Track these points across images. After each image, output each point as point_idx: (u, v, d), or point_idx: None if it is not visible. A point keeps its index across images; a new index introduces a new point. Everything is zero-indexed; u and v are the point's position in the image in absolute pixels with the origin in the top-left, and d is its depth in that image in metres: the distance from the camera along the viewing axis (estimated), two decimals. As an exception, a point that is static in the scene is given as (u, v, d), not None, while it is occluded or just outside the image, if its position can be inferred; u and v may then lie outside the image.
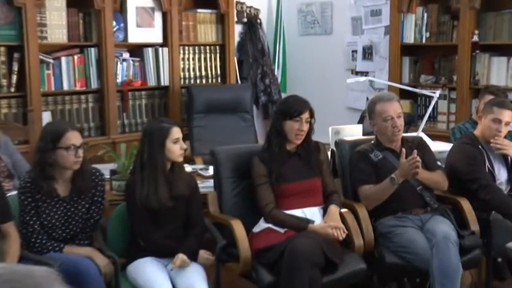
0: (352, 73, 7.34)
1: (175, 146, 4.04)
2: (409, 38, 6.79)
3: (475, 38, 6.30)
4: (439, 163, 4.65)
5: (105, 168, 4.65)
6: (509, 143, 4.62)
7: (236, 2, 7.11)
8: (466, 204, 4.42)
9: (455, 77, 6.50)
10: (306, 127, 4.24)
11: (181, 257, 3.87)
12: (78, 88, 6.13)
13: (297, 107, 4.25)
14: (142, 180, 4.01)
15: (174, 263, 3.87)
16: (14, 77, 5.72)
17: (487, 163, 4.58)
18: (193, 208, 4.15)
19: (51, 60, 5.94)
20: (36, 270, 1.32)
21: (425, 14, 6.69)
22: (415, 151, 4.24)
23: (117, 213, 4.26)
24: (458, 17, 6.34)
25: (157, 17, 6.54)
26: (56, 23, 5.93)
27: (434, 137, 5.64)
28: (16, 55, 5.70)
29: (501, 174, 4.67)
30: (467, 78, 6.35)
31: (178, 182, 4.09)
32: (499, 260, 4.77)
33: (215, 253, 4.02)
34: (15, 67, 5.71)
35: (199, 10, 6.88)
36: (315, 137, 4.44)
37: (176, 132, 4.06)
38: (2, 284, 1.21)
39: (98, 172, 4.20)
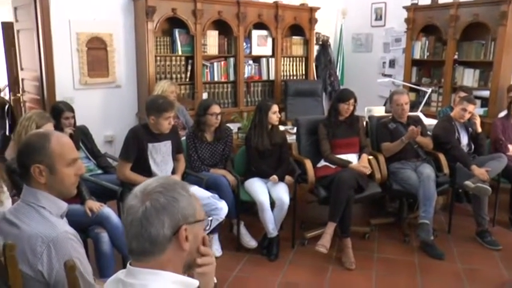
0: (382, 75, 7.06)
1: (274, 115, 4.01)
2: (417, 55, 6.47)
3: (455, 57, 6.00)
4: (429, 132, 4.46)
5: (235, 126, 4.69)
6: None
7: (315, 32, 6.93)
8: (442, 157, 4.25)
9: (442, 80, 6.18)
10: (351, 107, 4.12)
11: (274, 176, 3.91)
12: (222, 80, 6.10)
13: (347, 95, 4.13)
14: (255, 134, 4.01)
15: (272, 179, 3.91)
16: (188, 73, 5.74)
17: (456, 133, 4.36)
18: (283, 151, 4.11)
19: (208, 64, 5.93)
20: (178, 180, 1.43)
21: (427, 41, 6.36)
22: (415, 125, 4.10)
23: (240, 152, 4.29)
24: (446, 43, 6.03)
25: (269, 40, 6.41)
26: (212, 43, 5.91)
27: (428, 116, 5.39)
28: (190, 61, 5.72)
29: (464, 140, 4.42)
30: (450, 81, 6.05)
31: (275, 135, 4.06)
32: (460, 190, 4.59)
33: (294, 177, 3.99)
34: (189, 68, 5.73)
35: (293, 37, 6.71)
36: (357, 113, 4.29)
37: (275, 107, 4.02)
38: (165, 184, 1.31)
39: (229, 128, 4.21)
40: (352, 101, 4.10)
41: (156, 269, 1.28)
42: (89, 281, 1.70)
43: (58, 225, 1.68)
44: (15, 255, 1.58)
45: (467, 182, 4.02)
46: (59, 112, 3.70)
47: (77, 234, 1.73)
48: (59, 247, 1.62)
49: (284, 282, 3.46)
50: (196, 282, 1.36)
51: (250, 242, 3.97)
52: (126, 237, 1.30)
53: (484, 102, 5.77)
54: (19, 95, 6.27)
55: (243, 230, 4.02)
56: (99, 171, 3.90)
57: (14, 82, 6.82)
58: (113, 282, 1.35)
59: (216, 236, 3.87)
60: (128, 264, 1.33)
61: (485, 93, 5.73)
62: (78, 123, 3.97)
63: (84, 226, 2.96)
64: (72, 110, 3.80)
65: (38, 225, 1.66)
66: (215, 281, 1.51)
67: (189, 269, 1.37)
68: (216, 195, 3.65)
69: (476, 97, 5.66)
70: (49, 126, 3.12)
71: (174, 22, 5.54)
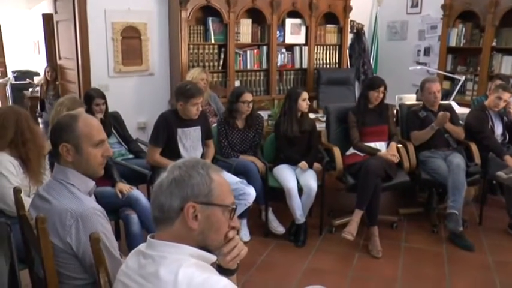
0: (417, 64, 6.93)
1: (303, 103, 4.04)
2: (453, 42, 6.35)
3: (494, 44, 5.86)
4: (461, 122, 4.41)
5: (265, 113, 4.75)
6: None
7: (350, 20, 6.89)
8: (474, 147, 4.20)
9: (479, 68, 6.06)
10: (381, 95, 4.11)
11: (303, 162, 3.95)
12: (255, 68, 6.14)
13: (377, 82, 4.13)
14: (284, 121, 4.06)
15: (301, 166, 3.95)
16: (221, 61, 5.82)
17: (490, 122, 4.28)
18: (313, 138, 4.15)
19: (241, 52, 5.98)
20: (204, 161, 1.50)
21: (464, 28, 6.24)
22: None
23: (270, 139, 4.35)
24: (484, 30, 5.90)
25: (303, 29, 6.41)
26: (245, 32, 5.96)
27: (462, 105, 5.29)
28: (223, 49, 5.79)
29: (498, 130, 4.35)
30: (487, 69, 5.92)
31: (304, 122, 4.10)
32: (494, 182, 4.52)
33: (323, 165, 4.02)
34: (222, 56, 5.81)
35: (327, 25, 6.68)
36: (389, 101, 4.31)
37: (304, 95, 4.06)
38: (188, 161, 1.42)
39: (260, 115, 4.28)
40: (382, 88, 4.09)
41: (173, 242, 1.35)
42: (115, 255, 1.80)
43: (86, 202, 1.79)
44: (46, 227, 1.70)
45: (500, 173, 3.96)
46: (90, 99, 3.84)
47: (103, 211, 1.83)
48: (86, 221, 1.72)
49: (310, 268, 3.52)
50: (213, 257, 1.43)
51: (278, 228, 4.05)
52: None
53: (523, 91, 5.62)
54: (58, 83, 6.52)
55: (271, 216, 4.09)
56: (131, 156, 4.05)
57: (53, 71, 7.07)
58: (135, 253, 1.44)
59: (244, 221, 3.96)
60: (148, 237, 1.41)
61: (525, 81, 5.58)
62: (112, 110, 4.12)
63: (115, 207, 3.11)
64: (103, 96, 3.93)
65: (67, 200, 1.77)
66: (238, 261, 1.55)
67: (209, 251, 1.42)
68: (245, 181, 3.74)
69: (515, 86, 5.55)
70: (80, 111, 3.25)
71: (207, 11, 5.62)
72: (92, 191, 1.91)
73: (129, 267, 1.41)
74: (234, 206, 1.43)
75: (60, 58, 6.18)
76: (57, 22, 6.01)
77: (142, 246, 1.43)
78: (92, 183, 1.90)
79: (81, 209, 1.74)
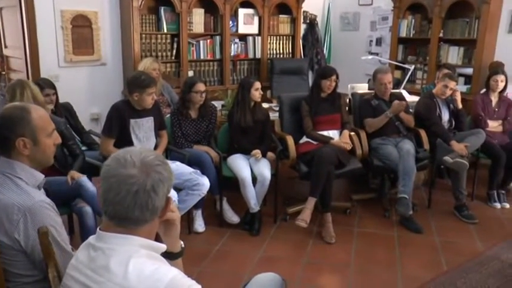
0: (369, 54, 7.05)
1: (256, 92, 4.05)
2: (403, 33, 6.52)
3: (441, 35, 6.05)
4: (411, 110, 4.53)
5: (219, 103, 4.73)
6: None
7: (303, 11, 6.92)
8: (423, 133, 4.34)
9: (427, 58, 6.25)
10: (333, 84, 4.16)
11: (257, 150, 3.97)
12: (208, 58, 6.10)
13: (329, 71, 4.18)
14: (238, 110, 4.05)
15: (254, 153, 3.96)
16: (174, 51, 5.75)
17: (437, 110, 4.44)
18: (266, 128, 4.17)
19: (194, 42, 5.92)
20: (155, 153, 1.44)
21: (413, 20, 6.41)
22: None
23: (224, 129, 4.33)
24: (432, 22, 6.08)
25: (256, 19, 6.40)
26: (198, 21, 5.90)
27: (412, 93, 5.47)
28: (175, 39, 5.72)
29: (445, 117, 4.51)
30: (435, 59, 6.11)
31: (258, 112, 4.11)
32: (442, 167, 4.68)
33: (276, 153, 4.05)
34: (175, 46, 5.73)
35: (280, 15, 6.68)
36: (340, 90, 4.37)
37: (257, 84, 4.06)
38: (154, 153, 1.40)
39: (214, 105, 4.25)
40: (334, 77, 4.14)
41: (128, 234, 1.32)
42: (66, 249, 1.75)
43: (34, 195, 1.72)
44: (-9, 223, 1.64)
45: (446, 157, 4.12)
46: (39, 89, 3.71)
47: (53, 204, 1.77)
48: (34, 215, 1.67)
49: (265, 256, 3.55)
50: (163, 246, 1.41)
51: (233, 217, 4.05)
52: (122, 205, 1.29)
53: (468, 79, 5.84)
54: (4, 73, 6.27)
55: (226, 206, 4.09)
56: (84, 148, 3.94)
57: (2, 60, 6.81)
58: (85, 246, 1.40)
59: (199, 212, 3.95)
60: (97, 229, 1.38)
61: (469, 70, 5.79)
62: (63, 101, 4.00)
63: (67, 198, 3.03)
64: (53, 87, 3.81)
65: (14, 194, 1.70)
66: (182, 245, 1.57)
67: None
68: (198, 171, 3.72)
69: (461, 74, 5.75)
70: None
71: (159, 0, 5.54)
72: (41, 184, 1.84)
73: (79, 260, 1.38)
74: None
75: (6, 47, 5.94)
76: (1, 8, 5.76)
77: (91, 239, 1.39)
78: (41, 176, 1.84)
79: (29, 202, 1.68)
